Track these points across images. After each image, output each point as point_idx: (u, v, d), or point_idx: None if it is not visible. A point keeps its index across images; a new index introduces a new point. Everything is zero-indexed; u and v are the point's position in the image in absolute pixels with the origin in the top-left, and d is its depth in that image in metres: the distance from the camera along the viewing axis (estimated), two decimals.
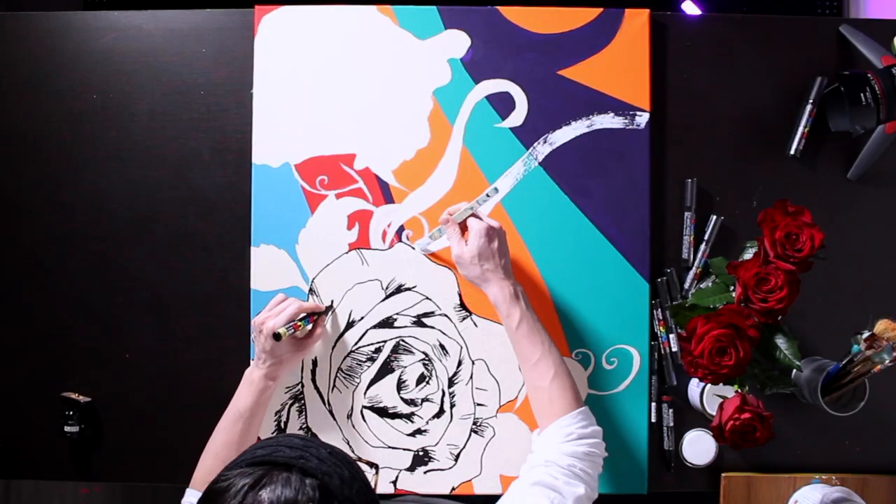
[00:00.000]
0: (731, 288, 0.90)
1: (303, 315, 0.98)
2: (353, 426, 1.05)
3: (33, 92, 1.07)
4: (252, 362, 0.98)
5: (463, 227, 0.97)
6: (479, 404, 1.05)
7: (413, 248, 1.05)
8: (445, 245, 1.03)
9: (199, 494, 0.90)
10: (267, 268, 1.05)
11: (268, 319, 0.95)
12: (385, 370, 1.05)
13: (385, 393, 1.05)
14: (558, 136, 1.05)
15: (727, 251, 1.05)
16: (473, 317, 1.05)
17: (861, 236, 1.07)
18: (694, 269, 1.05)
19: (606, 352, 1.05)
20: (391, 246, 1.05)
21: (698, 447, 1.05)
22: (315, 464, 0.63)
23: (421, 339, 1.05)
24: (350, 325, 1.05)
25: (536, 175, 1.05)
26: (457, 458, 1.05)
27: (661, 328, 1.05)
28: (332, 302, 1.05)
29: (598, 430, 0.89)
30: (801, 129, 1.05)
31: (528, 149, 1.05)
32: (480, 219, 0.95)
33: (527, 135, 1.05)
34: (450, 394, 1.05)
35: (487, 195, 0.99)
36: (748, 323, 0.83)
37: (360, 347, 1.05)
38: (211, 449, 0.94)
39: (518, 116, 1.05)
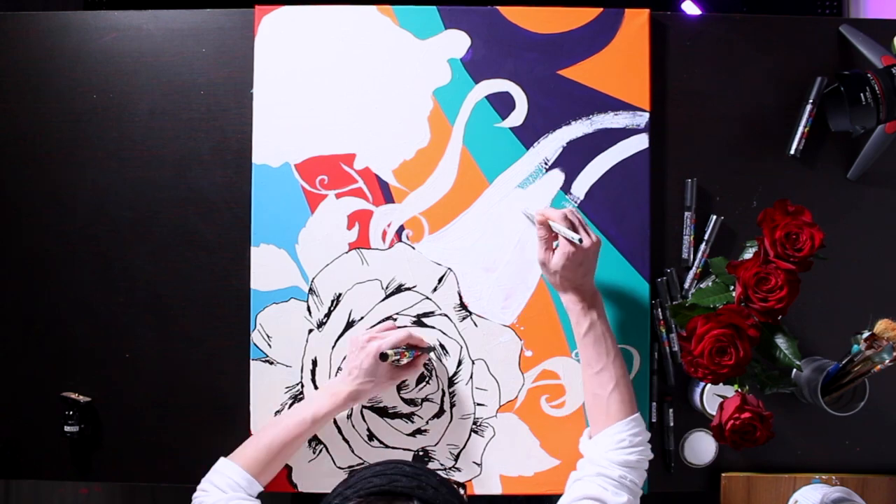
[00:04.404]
0: (731, 288, 0.90)
1: (407, 346, 0.98)
2: (353, 426, 1.05)
3: (33, 92, 1.07)
4: (339, 377, 1.00)
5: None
6: (479, 404, 1.05)
7: (413, 248, 1.05)
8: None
9: (236, 468, 0.91)
10: (267, 267, 1.05)
11: (375, 339, 0.97)
12: None
13: (385, 393, 1.05)
14: (558, 136, 1.05)
15: (727, 251, 1.05)
16: (473, 317, 1.05)
17: (861, 236, 1.07)
18: (694, 269, 1.05)
19: None
20: (391, 246, 1.05)
21: (698, 447, 1.05)
22: (431, 493, 0.65)
23: None
24: (350, 324, 1.05)
25: (536, 175, 1.05)
26: (457, 458, 1.05)
27: (661, 328, 1.05)
28: (437, 343, 1.05)
29: (647, 435, 0.92)
30: (801, 129, 1.05)
31: (528, 148, 1.05)
32: (577, 231, 0.91)
33: (527, 134, 1.05)
34: (450, 394, 1.05)
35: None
36: (748, 323, 0.83)
37: None
38: (265, 441, 0.95)
39: (518, 116, 1.05)
